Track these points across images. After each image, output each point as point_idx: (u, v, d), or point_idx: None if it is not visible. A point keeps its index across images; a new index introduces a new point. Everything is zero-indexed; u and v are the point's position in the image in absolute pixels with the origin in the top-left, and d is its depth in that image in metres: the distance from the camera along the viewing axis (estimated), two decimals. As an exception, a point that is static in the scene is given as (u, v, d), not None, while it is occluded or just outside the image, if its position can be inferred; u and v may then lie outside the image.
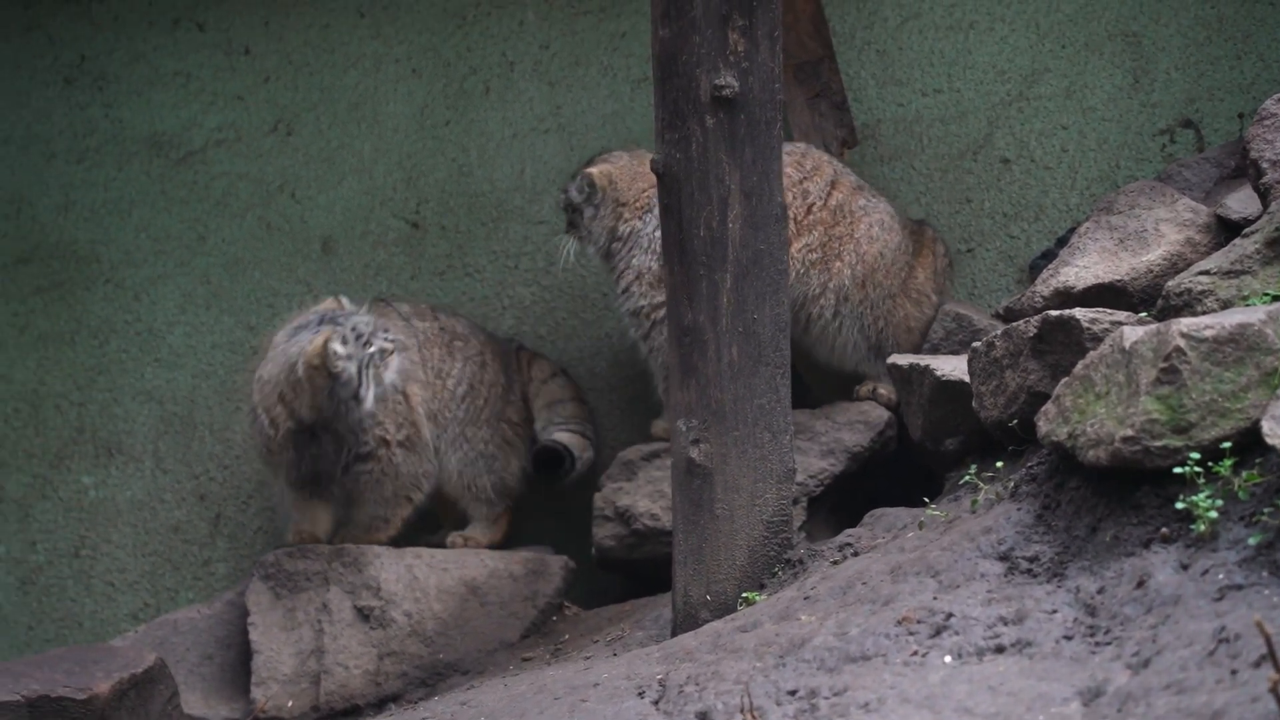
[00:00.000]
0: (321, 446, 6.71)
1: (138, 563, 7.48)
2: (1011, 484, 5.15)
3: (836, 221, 6.74)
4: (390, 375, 6.67)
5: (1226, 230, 6.10)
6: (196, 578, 7.46)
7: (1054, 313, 5.51)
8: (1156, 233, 6.20)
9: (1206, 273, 5.52)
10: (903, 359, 6.36)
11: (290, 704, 6.59)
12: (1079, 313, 5.47)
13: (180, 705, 6.41)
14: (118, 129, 7.59)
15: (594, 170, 6.89)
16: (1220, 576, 4.41)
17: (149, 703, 6.19)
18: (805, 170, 6.75)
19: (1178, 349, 4.64)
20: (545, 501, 7.28)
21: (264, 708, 6.59)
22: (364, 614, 6.62)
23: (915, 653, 4.65)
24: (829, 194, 6.75)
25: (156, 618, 7.19)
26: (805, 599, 5.19)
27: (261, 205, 7.54)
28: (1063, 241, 6.84)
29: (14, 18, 7.60)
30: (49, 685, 5.98)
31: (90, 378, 7.53)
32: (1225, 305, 5.40)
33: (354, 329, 6.58)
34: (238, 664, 6.85)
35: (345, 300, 6.78)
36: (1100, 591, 4.62)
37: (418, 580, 6.66)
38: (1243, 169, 6.35)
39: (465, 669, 6.52)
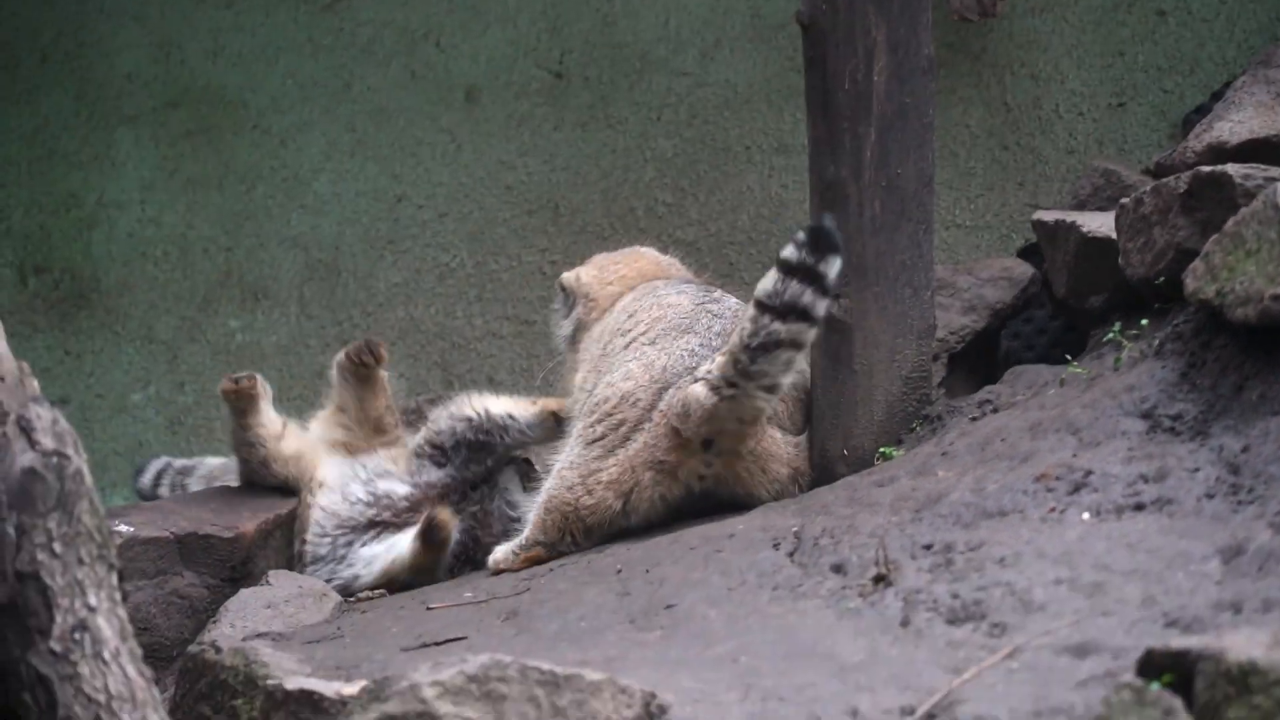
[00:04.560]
0: None
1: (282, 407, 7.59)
2: (1156, 342, 5.09)
3: None
4: None
5: (1390, 84, 5.97)
6: (339, 422, 7.55)
7: (1206, 169, 5.42)
8: (1316, 87, 6.08)
9: (1366, 128, 5.40)
10: (1048, 215, 6.28)
11: None
12: (1232, 168, 5.36)
13: (323, 546, 6.52)
14: (266, -26, 7.61)
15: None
16: (1367, 436, 4.35)
17: (292, 544, 6.31)
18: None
19: (1333, 206, 4.55)
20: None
21: None
22: None
23: (1053, 509, 4.63)
24: None
25: (301, 461, 7.30)
26: (943, 455, 5.17)
27: (406, 53, 7.54)
28: (1218, 96, 6.71)
29: None
30: (197, 523, 6.11)
31: (237, 223, 7.61)
32: (1384, 162, 5.28)
33: None
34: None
35: None
36: (1244, 450, 4.56)
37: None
38: None
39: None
